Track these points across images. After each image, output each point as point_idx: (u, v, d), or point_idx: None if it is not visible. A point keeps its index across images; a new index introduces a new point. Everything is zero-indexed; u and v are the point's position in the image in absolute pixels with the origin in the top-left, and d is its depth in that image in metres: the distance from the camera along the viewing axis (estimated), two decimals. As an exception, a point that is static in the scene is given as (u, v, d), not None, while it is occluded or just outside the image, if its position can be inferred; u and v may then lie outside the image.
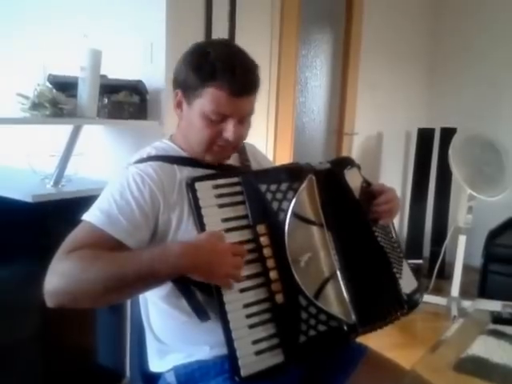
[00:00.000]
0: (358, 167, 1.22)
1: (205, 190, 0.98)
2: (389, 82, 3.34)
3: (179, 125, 1.11)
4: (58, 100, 1.69)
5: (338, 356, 1.10)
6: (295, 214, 1.03)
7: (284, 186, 1.04)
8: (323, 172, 1.12)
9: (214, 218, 0.97)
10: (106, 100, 1.81)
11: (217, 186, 1.00)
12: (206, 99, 1.00)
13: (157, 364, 1.09)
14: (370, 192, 1.17)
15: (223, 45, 1.10)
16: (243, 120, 1.05)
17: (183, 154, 1.09)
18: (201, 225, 0.96)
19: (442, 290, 3.16)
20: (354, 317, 1.03)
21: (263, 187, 1.02)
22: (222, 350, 0.99)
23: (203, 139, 1.03)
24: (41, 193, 1.69)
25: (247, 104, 1.03)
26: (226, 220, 0.98)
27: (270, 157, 2.48)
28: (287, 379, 1.03)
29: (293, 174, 1.07)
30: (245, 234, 1.00)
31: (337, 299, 1.03)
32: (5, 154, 2.28)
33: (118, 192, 0.98)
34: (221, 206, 0.99)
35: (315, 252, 1.04)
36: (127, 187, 0.98)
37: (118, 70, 1.91)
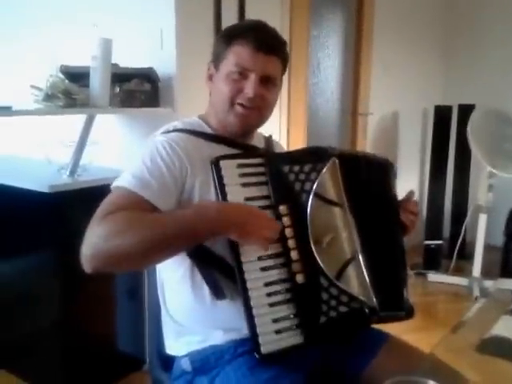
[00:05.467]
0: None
1: (229, 168, 1.00)
2: (403, 60, 3.27)
3: (209, 100, 1.14)
4: (71, 90, 1.69)
5: (358, 341, 1.10)
6: (317, 195, 1.02)
7: (307, 168, 1.03)
8: (347, 156, 1.11)
9: (238, 197, 0.98)
10: (117, 89, 1.81)
11: (241, 166, 1.01)
12: (231, 57, 1.05)
13: (173, 346, 1.11)
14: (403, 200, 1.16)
15: (253, 19, 1.16)
16: (265, 82, 1.06)
17: (209, 130, 1.12)
18: (225, 201, 0.97)
19: (463, 270, 3.12)
20: (375, 300, 1.02)
21: (286, 168, 1.02)
22: (235, 335, 1.01)
23: (225, 96, 1.06)
24: (57, 183, 1.70)
25: (269, 64, 1.06)
26: (248, 199, 0.99)
27: (284, 139, 2.46)
28: (306, 361, 1.04)
29: (316, 155, 1.07)
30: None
31: (358, 281, 1.03)
32: (20, 145, 2.30)
33: (148, 158, 1.01)
34: (244, 185, 1.00)
35: (337, 233, 1.04)
36: (157, 153, 1.02)
37: (128, 57, 1.90)
